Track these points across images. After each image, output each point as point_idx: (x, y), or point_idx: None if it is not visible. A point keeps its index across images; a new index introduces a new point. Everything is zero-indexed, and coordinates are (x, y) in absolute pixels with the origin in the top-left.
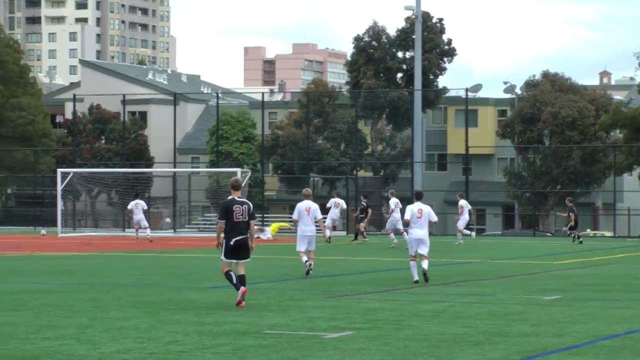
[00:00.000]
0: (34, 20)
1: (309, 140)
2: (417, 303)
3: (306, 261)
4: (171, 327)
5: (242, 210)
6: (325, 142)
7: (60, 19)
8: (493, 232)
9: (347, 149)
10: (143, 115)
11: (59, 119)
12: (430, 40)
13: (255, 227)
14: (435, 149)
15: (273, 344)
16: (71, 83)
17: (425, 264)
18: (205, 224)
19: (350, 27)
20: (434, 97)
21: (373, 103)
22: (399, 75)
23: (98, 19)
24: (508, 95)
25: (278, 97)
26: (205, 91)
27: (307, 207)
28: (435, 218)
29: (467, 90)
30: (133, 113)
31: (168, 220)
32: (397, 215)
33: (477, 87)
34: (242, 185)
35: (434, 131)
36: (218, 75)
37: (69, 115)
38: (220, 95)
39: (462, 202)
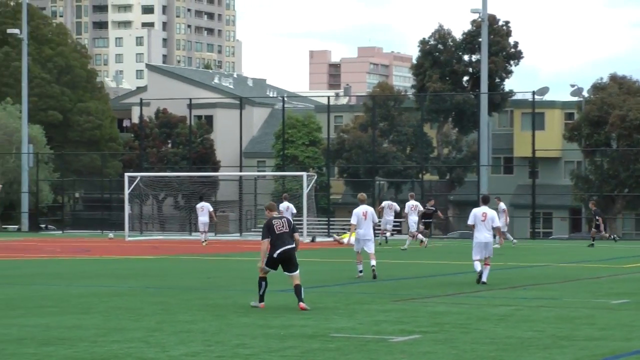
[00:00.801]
0: (101, 25)
1: (374, 143)
2: (484, 306)
3: (360, 271)
4: (238, 330)
5: (282, 223)
6: (391, 146)
7: (126, 24)
8: (560, 235)
9: (413, 153)
10: (209, 119)
11: (125, 123)
12: (496, 43)
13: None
14: (501, 152)
15: (340, 347)
16: (138, 87)
17: (486, 270)
18: None
19: (416, 30)
20: (500, 100)
21: (439, 106)
22: (465, 78)
23: (164, 24)
24: (575, 98)
25: (343, 100)
26: (271, 95)
27: (364, 211)
28: (497, 223)
29: (533, 93)
30: (199, 117)
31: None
32: (414, 217)
33: (543, 90)
34: (276, 206)
35: (500, 134)
36: (284, 79)
37: (135, 119)
38: (286, 99)
39: (502, 205)
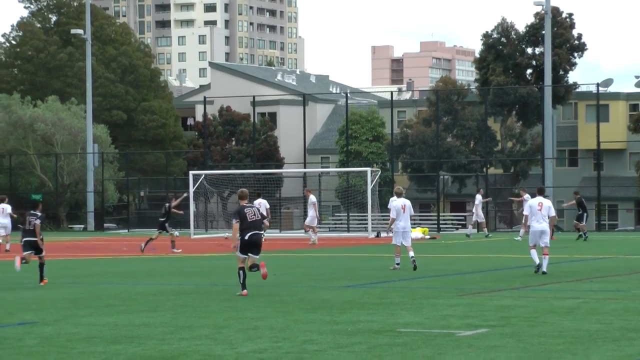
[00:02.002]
0: (164, 24)
1: (438, 138)
2: (551, 300)
3: (397, 263)
4: (305, 326)
5: (254, 211)
6: (454, 140)
7: (189, 22)
8: (625, 227)
9: (477, 146)
10: (272, 116)
11: (189, 121)
12: (560, 36)
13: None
14: (566, 144)
15: (407, 342)
16: (201, 86)
17: (545, 260)
18: (335, 224)
19: (478, 24)
20: (564, 93)
21: (502, 100)
22: (529, 71)
23: (226, 22)
24: None
25: (406, 95)
26: (334, 91)
27: (402, 204)
28: (553, 213)
29: (598, 85)
30: (263, 114)
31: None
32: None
33: (608, 82)
34: (248, 194)
35: (565, 127)
36: (346, 74)
37: (199, 117)
38: (349, 94)
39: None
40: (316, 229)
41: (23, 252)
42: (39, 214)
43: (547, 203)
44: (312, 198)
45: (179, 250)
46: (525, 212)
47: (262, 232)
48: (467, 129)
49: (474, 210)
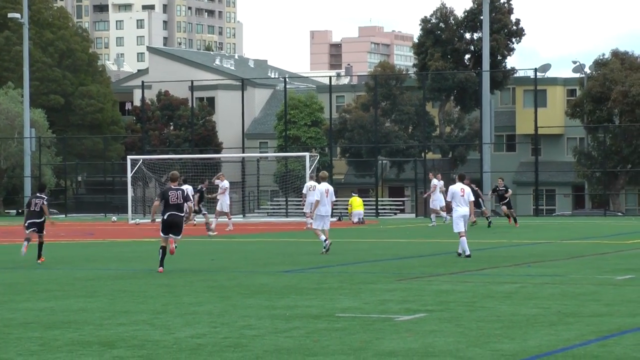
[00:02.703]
0: (102, 8)
1: (376, 123)
2: (489, 284)
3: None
4: (244, 311)
5: (177, 195)
6: (393, 125)
7: (127, 7)
8: (563, 212)
9: (415, 132)
10: (211, 101)
11: (127, 106)
12: (498, 21)
13: None
14: (503, 129)
15: (346, 327)
16: (139, 70)
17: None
18: (274, 209)
19: (417, 9)
20: (502, 78)
21: (441, 85)
22: (467, 56)
23: (165, 6)
24: (577, 75)
25: (345, 80)
26: (273, 76)
27: (326, 189)
28: (472, 198)
29: (535, 70)
30: (201, 99)
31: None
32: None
33: (545, 67)
34: (179, 177)
35: (503, 112)
36: (285, 59)
37: (137, 102)
38: (287, 79)
39: (435, 181)
40: (230, 215)
41: (27, 232)
42: (45, 196)
43: (468, 189)
44: (225, 183)
45: (214, 233)
46: (448, 198)
47: (183, 214)
48: (406, 114)
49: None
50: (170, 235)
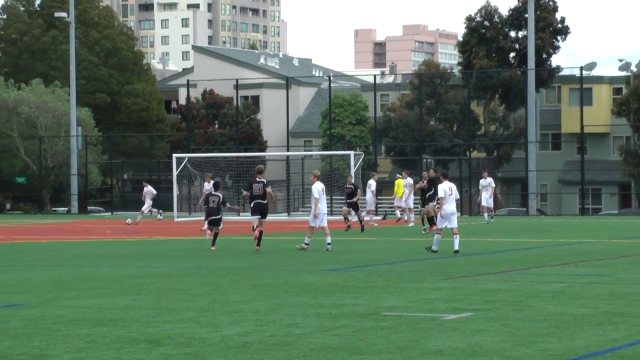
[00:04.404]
0: (147, 7)
1: (421, 121)
2: (536, 284)
3: (307, 244)
4: (290, 309)
5: (260, 187)
6: (437, 124)
7: (172, 5)
8: (609, 211)
9: (460, 130)
10: (255, 99)
11: (172, 104)
12: (543, 19)
13: None
14: (549, 128)
15: (392, 325)
16: (184, 69)
17: (457, 239)
18: None
19: (461, 7)
20: (547, 76)
21: (485, 83)
22: (512, 54)
23: (209, 5)
24: (623, 73)
25: (389, 79)
26: (317, 74)
27: (322, 188)
28: (458, 196)
29: (581, 68)
30: (246, 98)
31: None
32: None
33: (591, 66)
34: (264, 169)
35: (548, 110)
36: (329, 58)
37: (182, 101)
38: (332, 78)
39: (489, 180)
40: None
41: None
42: (220, 193)
43: (454, 187)
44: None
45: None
46: (440, 195)
47: (266, 201)
48: (450, 112)
49: (488, 196)
50: (259, 218)
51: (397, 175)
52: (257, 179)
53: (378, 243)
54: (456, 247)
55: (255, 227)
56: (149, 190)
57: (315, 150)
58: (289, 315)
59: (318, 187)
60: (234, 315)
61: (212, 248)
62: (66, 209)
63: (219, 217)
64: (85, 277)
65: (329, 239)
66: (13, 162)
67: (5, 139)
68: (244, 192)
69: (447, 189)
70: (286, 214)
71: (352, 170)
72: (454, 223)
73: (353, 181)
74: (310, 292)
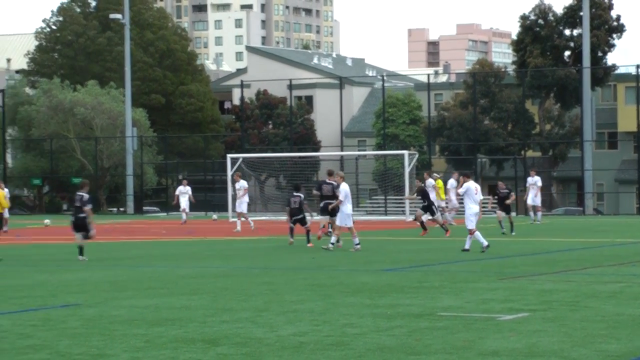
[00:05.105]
0: (200, 8)
1: (475, 121)
2: (593, 284)
3: (336, 241)
4: (345, 309)
5: (329, 188)
6: (492, 123)
7: (225, 6)
8: None
9: (515, 129)
10: (309, 99)
11: (226, 105)
12: (598, 17)
13: None
14: (605, 127)
15: (448, 325)
16: (238, 69)
17: (470, 239)
18: (373, 207)
19: (515, 5)
20: (602, 75)
21: (540, 82)
22: (567, 53)
23: (262, 5)
24: None
25: (443, 78)
26: (370, 74)
27: (476, 187)
28: (481, 197)
29: (637, 66)
30: (299, 98)
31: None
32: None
33: None
34: (334, 172)
35: (604, 109)
36: (382, 57)
37: (236, 101)
38: (385, 77)
39: (536, 179)
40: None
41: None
42: (302, 195)
43: (479, 188)
44: (244, 183)
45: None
46: (462, 191)
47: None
48: (505, 111)
49: (534, 195)
50: (330, 217)
51: (435, 175)
52: (327, 180)
53: (433, 243)
54: (467, 247)
55: (324, 226)
56: (242, 185)
57: (369, 150)
58: (345, 316)
59: (345, 189)
60: (290, 315)
61: (309, 245)
62: (122, 209)
63: (301, 216)
64: (142, 277)
65: (356, 240)
66: (69, 163)
67: (62, 140)
68: (314, 192)
69: (472, 188)
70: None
71: (407, 170)
72: (474, 224)
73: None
74: (366, 292)
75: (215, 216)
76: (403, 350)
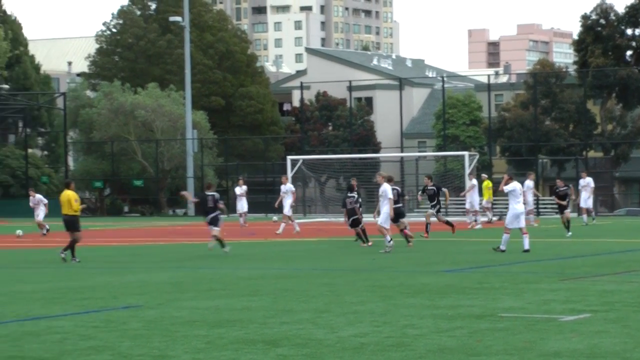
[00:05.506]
0: (260, 10)
1: (536, 121)
2: None
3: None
4: (406, 310)
5: (397, 192)
6: (553, 123)
7: (285, 8)
8: None
9: (576, 130)
10: (369, 100)
11: (286, 107)
12: None
13: None
14: None
15: (509, 327)
16: (297, 71)
17: (526, 238)
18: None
19: (576, 5)
20: None
21: (602, 82)
22: (629, 52)
23: (322, 7)
24: None
25: (503, 79)
26: (430, 75)
27: (520, 187)
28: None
29: None
30: (359, 99)
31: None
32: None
33: None
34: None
35: None
36: (442, 58)
37: (296, 103)
38: (445, 78)
39: (588, 180)
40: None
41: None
42: (355, 195)
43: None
44: (291, 186)
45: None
46: (510, 189)
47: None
48: (566, 111)
49: (586, 197)
50: (400, 220)
51: (484, 176)
52: (392, 185)
53: (493, 244)
54: (526, 247)
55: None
56: (289, 188)
57: (429, 151)
58: (405, 317)
59: (387, 189)
60: (350, 316)
61: (368, 244)
62: (183, 211)
63: (357, 216)
64: (202, 279)
65: (388, 238)
66: (131, 165)
67: (123, 143)
68: (391, 198)
69: (518, 189)
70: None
71: (467, 171)
72: (522, 223)
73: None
74: (426, 293)
75: (275, 218)
76: (464, 352)
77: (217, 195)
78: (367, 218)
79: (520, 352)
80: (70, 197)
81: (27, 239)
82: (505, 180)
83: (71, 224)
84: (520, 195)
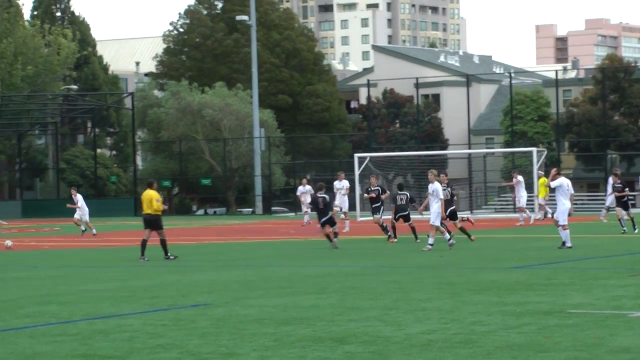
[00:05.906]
0: (326, 8)
1: (605, 116)
2: None
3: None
4: (473, 307)
5: (447, 192)
6: (622, 118)
7: (351, 6)
8: None
9: None
10: (436, 97)
11: (353, 104)
12: None
13: None
14: None
15: (578, 323)
16: (364, 69)
17: (566, 233)
18: (501, 205)
19: None
20: None
21: None
22: None
23: (389, 4)
24: None
25: (572, 74)
26: (498, 71)
27: (568, 183)
28: (572, 191)
29: None
30: (426, 96)
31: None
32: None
33: None
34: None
35: None
36: (510, 54)
37: (363, 100)
38: (513, 74)
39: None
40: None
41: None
42: (407, 193)
43: (570, 183)
44: (346, 182)
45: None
46: (557, 185)
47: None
48: (635, 106)
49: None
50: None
51: (540, 173)
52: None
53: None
54: (568, 244)
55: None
56: (344, 184)
57: (497, 147)
58: (473, 313)
59: (437, 187)
60: (418, 313)
61: (394, 240)
62: (251, 209)
63: (406, 212)
64: (270, 277)
65: (431, 240)
66: (198, 164)
67: (191, 142)
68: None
69: (565, 185)
70: (469, 212)
71: (535, 167)
72: (566, 220)
73: None
74: (494, 290)
75: (342, 215)
76: (532, 348)
77: (327, 197)
78: (414, 215)
79: (589, 348)
80: (152, 197)
81: (96, 239)
82: (552, 175)
83: (152, 223)
84: (568, 190)
